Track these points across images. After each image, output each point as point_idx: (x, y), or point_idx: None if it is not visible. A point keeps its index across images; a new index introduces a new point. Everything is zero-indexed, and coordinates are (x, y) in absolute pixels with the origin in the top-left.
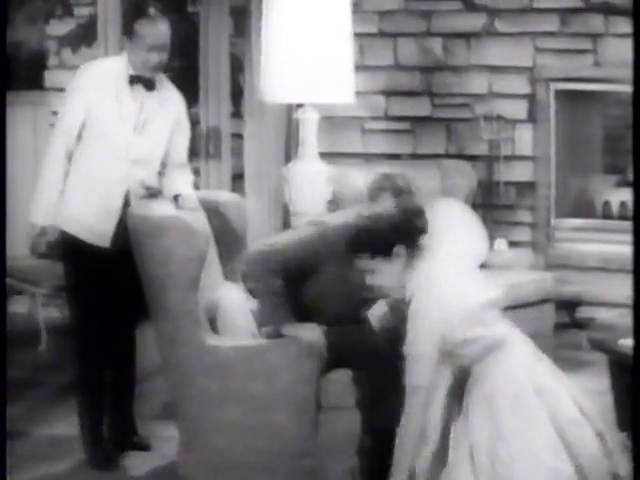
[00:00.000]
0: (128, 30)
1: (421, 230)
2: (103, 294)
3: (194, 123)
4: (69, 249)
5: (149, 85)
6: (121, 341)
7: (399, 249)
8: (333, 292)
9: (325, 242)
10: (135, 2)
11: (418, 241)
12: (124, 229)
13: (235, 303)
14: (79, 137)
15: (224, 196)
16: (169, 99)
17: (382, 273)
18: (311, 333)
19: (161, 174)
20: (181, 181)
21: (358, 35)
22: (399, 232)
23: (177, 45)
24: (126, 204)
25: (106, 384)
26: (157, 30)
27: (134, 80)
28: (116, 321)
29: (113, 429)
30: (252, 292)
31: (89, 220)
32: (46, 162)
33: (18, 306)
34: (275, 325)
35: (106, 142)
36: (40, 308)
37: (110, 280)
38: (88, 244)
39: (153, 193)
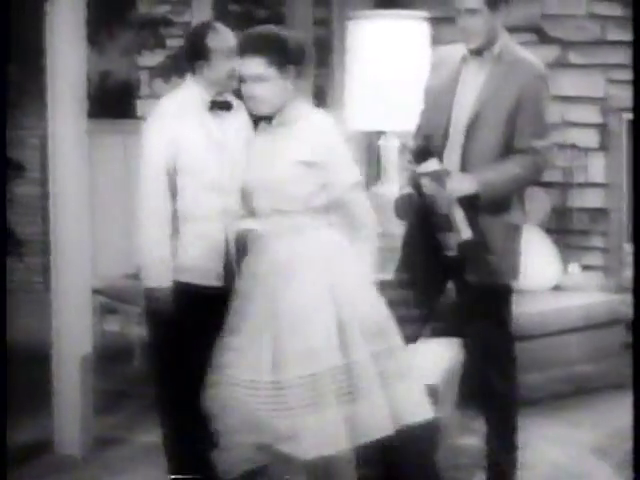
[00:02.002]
0: (200, 52)
1: None
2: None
3: None
4: (181, 295)
5: (227, 106)
6: None
7: None
8: None
9: None
10: (199, 24)
11: None
12: (231, 262)
13: None
14: (172, 179)
15: None
16: (245, 120)
17: None
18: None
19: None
20: None
21: None
22: None
23: None
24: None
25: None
26: (229, 36)
27: (213, 105)
28: None
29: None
30: None
31: (199, 263)
32: (145, 214)
33: (112, 324)
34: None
35: (199, 174)
36: (134, 326)
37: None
38: (201, 286)
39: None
